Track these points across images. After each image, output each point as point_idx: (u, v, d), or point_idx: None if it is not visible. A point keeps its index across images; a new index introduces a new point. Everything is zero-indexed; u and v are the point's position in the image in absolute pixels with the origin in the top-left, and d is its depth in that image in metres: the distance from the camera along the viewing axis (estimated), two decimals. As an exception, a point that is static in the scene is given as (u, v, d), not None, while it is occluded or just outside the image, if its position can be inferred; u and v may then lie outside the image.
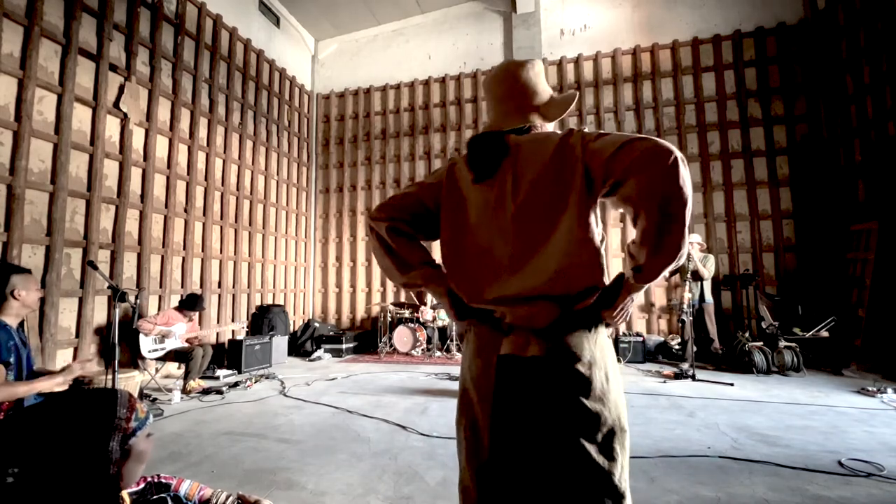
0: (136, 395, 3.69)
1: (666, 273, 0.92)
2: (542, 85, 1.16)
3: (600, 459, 0.93)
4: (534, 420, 0.95)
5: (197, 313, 4.90)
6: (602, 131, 1.00)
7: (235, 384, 4.58)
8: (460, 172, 1.14)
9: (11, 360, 1.94)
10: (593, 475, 0.92)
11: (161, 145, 5.45)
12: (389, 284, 8.02)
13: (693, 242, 5.66)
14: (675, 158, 0.85)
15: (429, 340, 6.77)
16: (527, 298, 0.99)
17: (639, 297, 7.41)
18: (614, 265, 6.84)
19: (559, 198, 0.99)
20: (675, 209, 0.86)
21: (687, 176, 0.86)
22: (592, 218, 0.99)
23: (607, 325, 1.02)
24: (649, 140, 0.89)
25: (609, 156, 0.92)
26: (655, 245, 0.88)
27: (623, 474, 0.95)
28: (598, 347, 1.00)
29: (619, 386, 1.02)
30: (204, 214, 6.05)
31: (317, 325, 7.30)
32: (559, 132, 1.07)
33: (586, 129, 1.03)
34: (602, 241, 1.01)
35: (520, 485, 0.95)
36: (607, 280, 1.00)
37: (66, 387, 2.06)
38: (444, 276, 1.14)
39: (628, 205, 0.93)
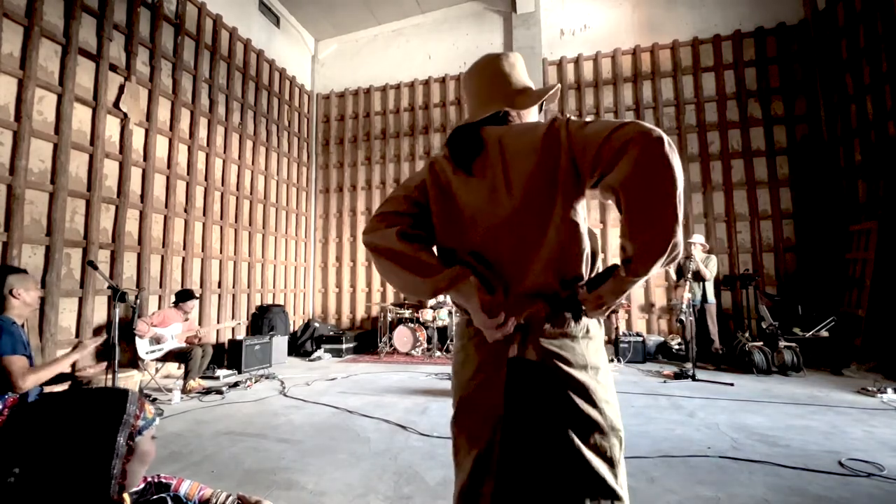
0: (136, 395, 3.70)
1: (658, 268, 0.85)
2: (518, 76, 1.13)
3: (599, 463, 0.92)
4: (537, 425, 0.93)
5: (193, 311, 4.91)
6: (588, 119, 0.94)
7: (235, 384, 4.58)
8: (441, 169, 1.09)
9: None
10: (593, 480, 0.90)
11: (161, 145, 5.45)
12: (390, 284, 8.02)
13: (696, 243, 5.65)
14: (661, 137, 0.80)
15: (429, 340, 6.77)
16: (526, 296, 0.97)
17: (636, 296, 7.15)
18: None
19: (549, 190, 0.95)
20: (663, 190, 0.79)
21: (674, 157, 0.80)
22: (580, 209, 0.96)
23: (586, 315, 0.98)
24: (635, 123, 0.84)
25: (598, 146, 0.86)
26: (643, 232, 0.82)
27: (621, 476, 0.94)
28: (590, 350, 0.98)
29: (613, 387, 1.01)
30: (204, 214, 6.05)
31: (317, 325, 7.30)
32: (543, 122, 1.02)
33: (572, 118, 0.97)
34: (589, 236, 0.98)
35: (524, 495, 0.93)
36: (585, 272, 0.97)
37: (87, 350, 2.20)
38: (468, 270, 0.98)
39: (615, 192, 0.86)
